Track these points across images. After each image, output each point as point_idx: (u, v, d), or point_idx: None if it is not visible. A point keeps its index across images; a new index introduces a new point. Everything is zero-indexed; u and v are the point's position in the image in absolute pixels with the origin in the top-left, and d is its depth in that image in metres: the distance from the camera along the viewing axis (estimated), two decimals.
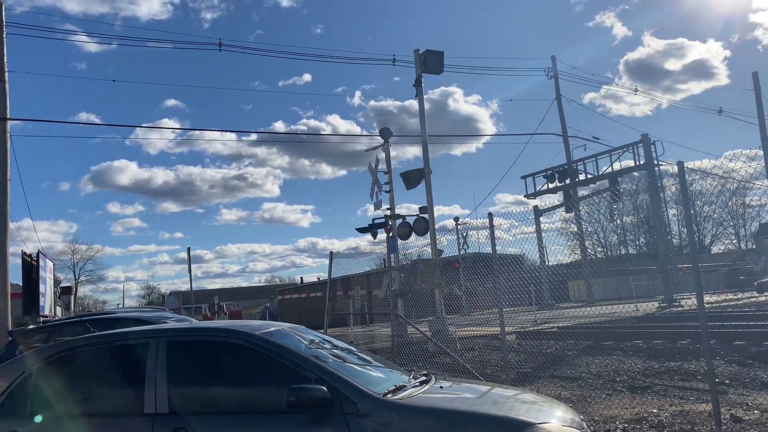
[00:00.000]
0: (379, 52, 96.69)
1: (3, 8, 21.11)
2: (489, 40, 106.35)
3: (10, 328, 17.89)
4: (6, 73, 20.85)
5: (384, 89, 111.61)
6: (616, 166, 28.05)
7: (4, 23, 20.98)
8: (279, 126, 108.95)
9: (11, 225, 21.33)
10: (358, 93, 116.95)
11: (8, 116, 21.12)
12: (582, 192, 31.35)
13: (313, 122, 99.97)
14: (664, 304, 23.41)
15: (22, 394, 4.01)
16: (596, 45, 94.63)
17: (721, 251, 60.91)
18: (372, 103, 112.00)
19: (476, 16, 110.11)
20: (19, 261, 25.95)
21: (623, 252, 64.73)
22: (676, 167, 6.40)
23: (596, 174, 29.19)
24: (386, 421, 3.46)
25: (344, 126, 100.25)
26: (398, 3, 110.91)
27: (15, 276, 25.41)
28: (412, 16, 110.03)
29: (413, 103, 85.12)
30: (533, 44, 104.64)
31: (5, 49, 21.00)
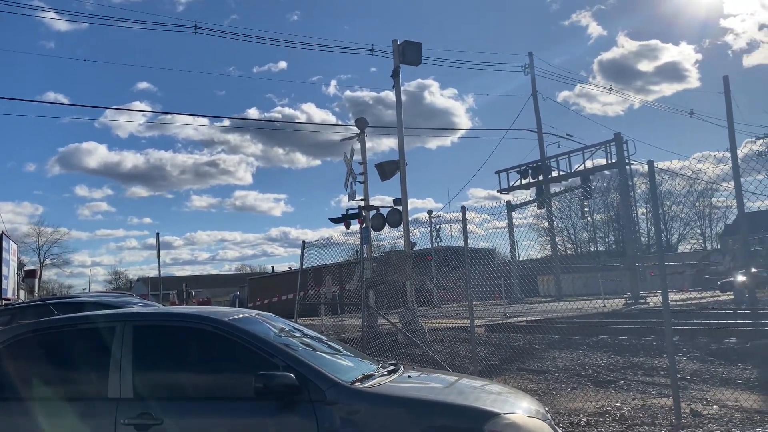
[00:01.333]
0: (356, 41, 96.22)
1: None
2: (466, 34, 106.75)
3: None
4: None
5: (360, 79, 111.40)
6: (589, 164, 28.47)
7: None
8: (253, 113, 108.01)
9: None
10: (333, 82, 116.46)
11: None
12: (554, 189, 31.75)
13: (288, 110, 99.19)
14: (631, 301, 23.88)
15: None
16: (571, 44, 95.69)
17: (687, 250, 62.31)
18: (347, 93, 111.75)
19: (454, 10, 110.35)
20: None
21: (593, 249, 65.83)
22: (646, 167, 6.51)
23: (569, 171, 29.58)
24: (354, 409, 3.47)
25: (319, 115, 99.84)
26: None
27: None
28: (389, 7, 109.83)
29: (389, 94, 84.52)
30: (510, 41, 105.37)
31: None
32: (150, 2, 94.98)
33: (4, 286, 23.17)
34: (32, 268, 51.03)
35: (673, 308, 13.60)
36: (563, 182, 31.17)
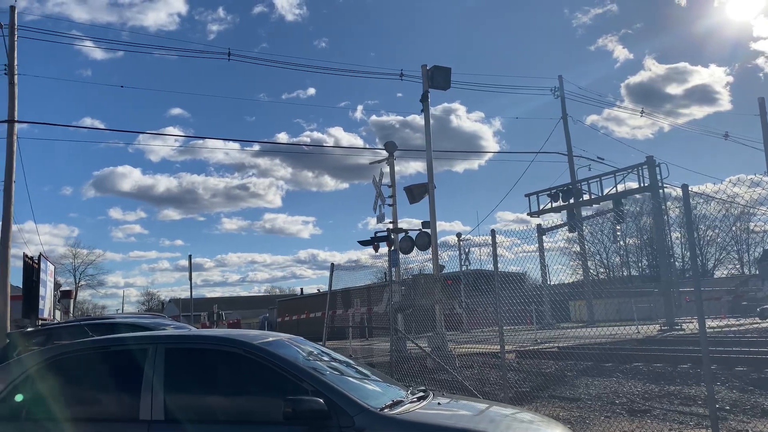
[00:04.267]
0: (383, 67, 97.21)
1: (15, 12, 21.32)
2: (492, 59, 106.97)
3: (9, 330, 17.89)
4: (15, 76, 21.02)
5: (387, 104, 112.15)
6: (620, 187, 28.04)
7: (15, 27, 21.19)
8: (282, 137, 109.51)
9: (14, 227, 21.41)
10: (360, 107, 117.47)
11: (16, 118, 21.27)
12: (585, 212, 31.33)
13: (316, 134, 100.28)
14: (666, 328, 23.27)
15: (18, 396, 3.99)
16: (598, 68, 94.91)
17: (724, 276, 60.63)
18: (374, 117, 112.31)
19: (480, 34, 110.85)
20: (20, 263, 25.98)
21: (626, 273, 64.51)
22: (680, 190, 6.39)
23: (600, 194, 29.17)
24: None
25: (347, 139, 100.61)
26: (400, 20, 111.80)
27: (16, 278, 25.45)
28: (416, 33, 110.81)
29: (416, 118, 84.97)
30: (536, 66, 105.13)
31: (15, 52, 21.19)
32: (183, 31, 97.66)
33: (41, 306, 23.67)
34: (68, 288, 52.08)
35: (710, 335, 13.22)
36: (594, 205, 30.76)
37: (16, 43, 21.13)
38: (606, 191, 28.76)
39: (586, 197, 29.92)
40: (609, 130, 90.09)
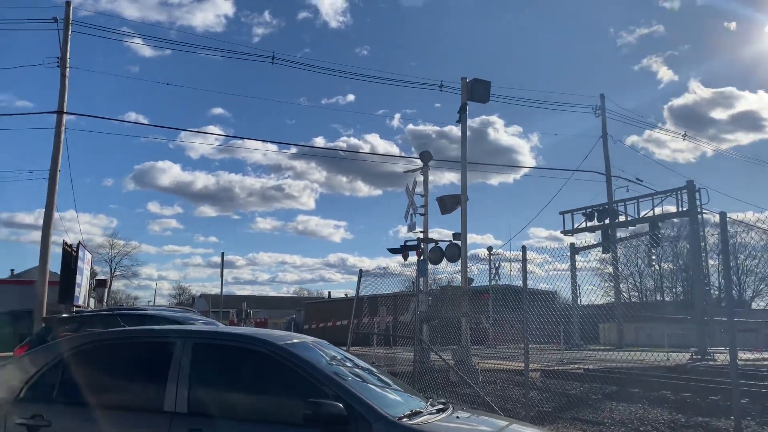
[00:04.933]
0: (423, 77, 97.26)
1: (70, 8, 22.07)
2: (533, 74, 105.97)
3: (45, 315, 18.43)
4: (67, 69, 21.74)
5: (424, 114, 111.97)
6: (658, 210, 27.50)
7: (70, 21, 21.93)
8: (319, 141, 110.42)
9: (56, 214, 22.09)
10: (398, 116, 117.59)
11: (65, 110, 21.98)
12: (620, 233, 30.77)
13: (352, 140, 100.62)
14: (697, 357, 22.65)
15: (50, 379, 4.12)
16: (641, 89, 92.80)
17: (762, 307, 58.73)
18: (411, 126, 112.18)
19: (523, 49, 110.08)
20: (59, 250, 26.75)
21: (659, 298, 63.04)
22: (718, 217, 6.27)
23: (637, 216, 28.65)
24: None
25: (383, 146, 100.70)
26: (443, 32, 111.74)
27: (54, 264, 26.20)
28: (455, 45, 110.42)
29: (452, 129, 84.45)
30: (578, 83, 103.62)
31: (69, 46, 21.92)
32: (229, 33, 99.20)
33: (77, 294, 24.27)
34: (103, 278, 53.40)
35: (743, 368, 12.87)
36: (630, 227, 30.21)
37: (69, 37, 21.87)
38: (643, 213, 28.24)
39: (622, 218, 29.42)
40: (649, 152, 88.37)
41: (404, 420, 3.64)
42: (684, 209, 25.99)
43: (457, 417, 4.03)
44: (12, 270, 54.65)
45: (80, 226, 77.68)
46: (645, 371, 15.51)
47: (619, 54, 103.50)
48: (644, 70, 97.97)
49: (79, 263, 25.53)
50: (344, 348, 9.16)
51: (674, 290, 63.85)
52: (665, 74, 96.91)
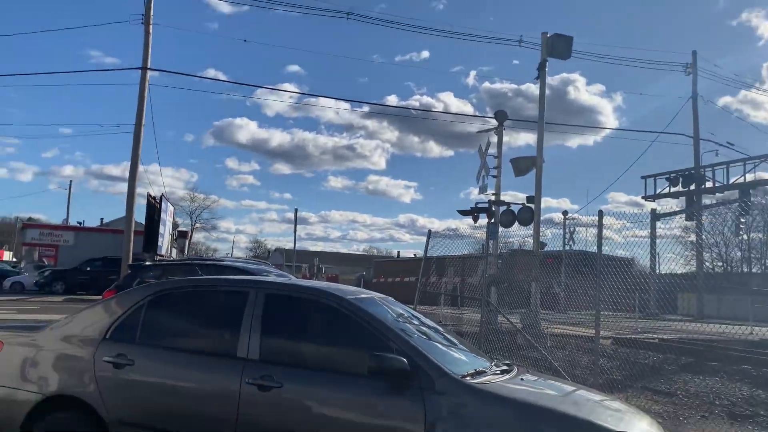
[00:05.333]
0: (501, 32, 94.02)
1: None
2: (620, 29, 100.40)
3: (130, 262, 19.60)
4: (150, 26, 22.46)
5: (501, 71, 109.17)
6: (750, 177, 25.80)
7: None
8: (392, 100, 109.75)
9: (140, 168, 23.21)
10: (473, 73, 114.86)
11: (149, 66, 22.81)
12: (706, 201, 29.18)
13: (425, 99, 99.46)
14: None
15: (134, 322, 4.38)
16: (738, 46, 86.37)
17: None
18: (487, 84, 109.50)
19: (609, 4, 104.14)
20: (144, 202, 28.21)
21: (745, 270, 59.82)
22: None
23: (726, 183, 27.04)
24: (461, 402, 3.47)
25: (456, 105, 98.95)
26: None
27: (139, 215, 27.66)
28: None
29: (530, 87, 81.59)
30: (668, 39, 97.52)
31: (152, 2, 22.59)
32: None
33: (159, 243, 25.63)
34: (184, 229, 56.08)
35: None
36: (718, 194, 28.57)
37: None
38: (733, 180, 26.61)
39: (709, 184, 27.85)
40: (744, 114, 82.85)
41: (467, 378, 3.65)
42: None
43: (522, 379, 4.00)
44: (102, 219, 58.30)
45: (163, 180, 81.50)
46: (726, 344, 14.86)
47: (715, 9, 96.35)
48: (742, 26, 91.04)
49: (162, 215, 26.82)
50: (411, 306, 9.25)
51: (763, 262, 60.36)
52: (766, 30, 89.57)
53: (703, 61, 34.46)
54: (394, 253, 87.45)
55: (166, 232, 28.81)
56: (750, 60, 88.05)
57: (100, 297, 11.07)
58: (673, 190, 28.76)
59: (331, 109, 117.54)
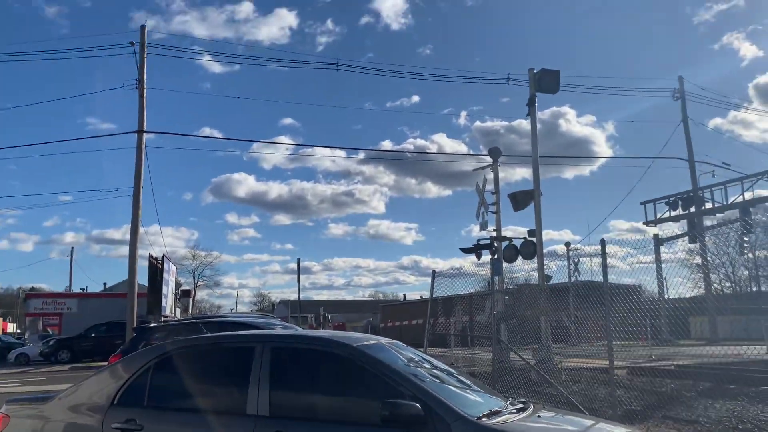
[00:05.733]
0: (488, 71, 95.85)
1: (145, 31, 23.23)
2: (605, 59, 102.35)
3: (135, 325, 19.45)
4: (145, 90, 22.89)
5: (491, 110, 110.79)
6: (748, 195, 25.88)
7: (145, 44, 23.07)
8: (387, 145, 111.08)
9: (141, 229, 23.28)
10: (464, 113, 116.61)
11: (144, 129, 23.14)
12: (708, 222, 29.19)
13: (419, 141, 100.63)
14: None
15: (141, 385, 4.31)
16: (722, 67, 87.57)
17: None
18: (478, 123, 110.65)
19: (592, 33, 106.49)
20: (146, 263, 28.18)
21: (755, 289, 59.27)
22: None
23: (725, 203, 27.10)
24: None
25: (450, 145, 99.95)
26: (506, 24, 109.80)
27: (142, 277, 27.61)
28: (520, 36, 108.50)
29: (522, 123, 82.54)
30: (653, 66, 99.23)
31: (145, 68, 23.07)
32: (294, 44, 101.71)
33: (163, 304, 25.48)
34: (187, 288, 55.83)
35: None
36: (718, 214, 28.60)
37: (145, 59, 23.03)
38: (732, 199, 26.68)
39: (708, 205, 27.91)
40: (735, 134, 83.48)
41: (483, 420, 3.57)
42: None
43: (539, 416, 3.91)
44: (105, 284, 58.14)
45: (164, 240, 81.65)
46: (743, 366, 14.61)
47: (697, 33, 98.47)
48: (724, 48, 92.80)
49: (165, 275, 26.74)
50: (421, 349, 9.13)
51: None
52: (748, 50, 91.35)
53: (690, 84, 34.90)
54: (400, 296, 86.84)
55: (169, 292, 28.68)
56: (735, 81, 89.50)
57: (106, 363, 10.93)
58: (673, 213, 28.80)
59: (327, 157, 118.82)
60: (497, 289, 15.45)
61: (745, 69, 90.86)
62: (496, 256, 16.64)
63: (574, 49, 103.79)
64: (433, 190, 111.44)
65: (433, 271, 14.30)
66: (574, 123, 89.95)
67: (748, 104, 78.50)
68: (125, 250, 24.55)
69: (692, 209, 28.05)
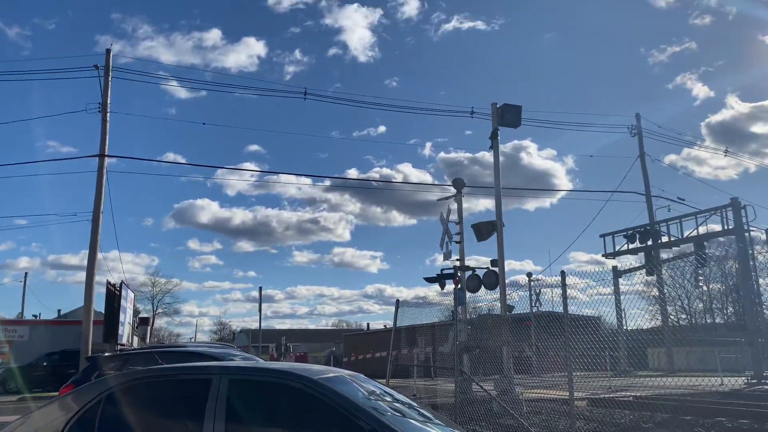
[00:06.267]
0: (453, 104, 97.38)
1: (111, 55, 23.00)
2: (564, 98, 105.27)
3: (89, 354, 18.80)
4: (108, 114, 22.55)
5: (456, 141, 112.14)
6: (702, 229, 26.70)
7: (110, 68, 22.82)
8: (353, 173, 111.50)
9: (99, 255, 22.68)
10: (429, 144, 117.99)
11: (106, 153, 22.73)
12: (665, 255, 29.95)
13: (385, 170, 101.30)
14: (753, 381, 21.65)
15: (91, 419, 4.16)
16: (676, 106, 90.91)
17: None
18: (443, 154, 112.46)
19: (552, 71, 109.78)
20: (104, 290, 27.41)
21: (709, 321, 60.81)
22: (765, 235, 6.04)
23: (680, 237, 27.88)
24: None
25: (416, 175, 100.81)
26: (471, 59, 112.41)
27: (99, 304, 26.80)
28: (484, 71, 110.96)
29: (485, 155, 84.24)
30: (611, 104, 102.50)
31: (109, 92, 22.78)
32: (262, 72, 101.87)
33: (120, 332, 24.74)
34: (146, 315, 54.38)
35: None
36: (674, 248, 29.39)
37: (110, 83, 22.74)
38: (687, 233, 27.45)
39: (665, 239, 28.67)
40: (689, 170, 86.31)
41: None
42: (730, 227, 25.18)
43: None
44: (59, 310, 56.22)
45: (123, 266, 79.53)
46: (699, 397, 14.91)
47: (652, 73, 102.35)
48: (678, 88, 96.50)
49: (123, 302, 26.04)
50: (383, 381, 9.06)
51: (725, 312, 61.55)
52: (700, 91, 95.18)
53: (647, 122, 36.16)
54: (364, 325, 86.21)
55: (126, 320, 27.90)
56: (689, 119, 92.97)
57: (57, 393, 10.51)
58: (631, 246, 29.47)
59: (292, 185, 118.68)
60: (460, 319, 15.49)
61: (698, 108, 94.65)
62: (459, 286, 16.72)
63: (536, 85, 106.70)
64: (398, 218, 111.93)
65: (397, 300, 14.30)
66: (535, 156, 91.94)
67: (701, 142, 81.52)
68: (82, 276, 23.86)
69: (649, 242, 28.78)
